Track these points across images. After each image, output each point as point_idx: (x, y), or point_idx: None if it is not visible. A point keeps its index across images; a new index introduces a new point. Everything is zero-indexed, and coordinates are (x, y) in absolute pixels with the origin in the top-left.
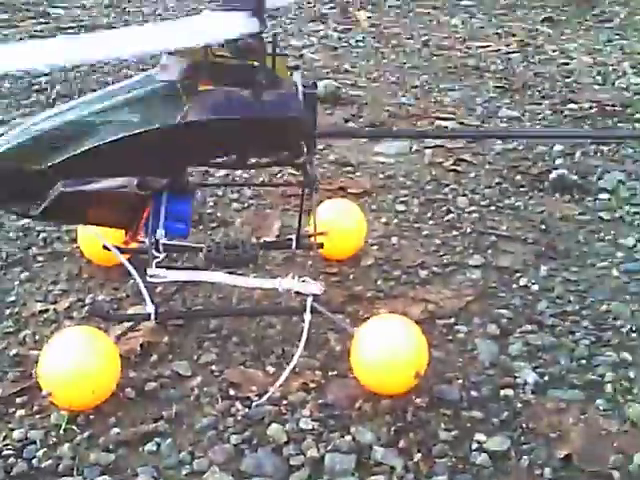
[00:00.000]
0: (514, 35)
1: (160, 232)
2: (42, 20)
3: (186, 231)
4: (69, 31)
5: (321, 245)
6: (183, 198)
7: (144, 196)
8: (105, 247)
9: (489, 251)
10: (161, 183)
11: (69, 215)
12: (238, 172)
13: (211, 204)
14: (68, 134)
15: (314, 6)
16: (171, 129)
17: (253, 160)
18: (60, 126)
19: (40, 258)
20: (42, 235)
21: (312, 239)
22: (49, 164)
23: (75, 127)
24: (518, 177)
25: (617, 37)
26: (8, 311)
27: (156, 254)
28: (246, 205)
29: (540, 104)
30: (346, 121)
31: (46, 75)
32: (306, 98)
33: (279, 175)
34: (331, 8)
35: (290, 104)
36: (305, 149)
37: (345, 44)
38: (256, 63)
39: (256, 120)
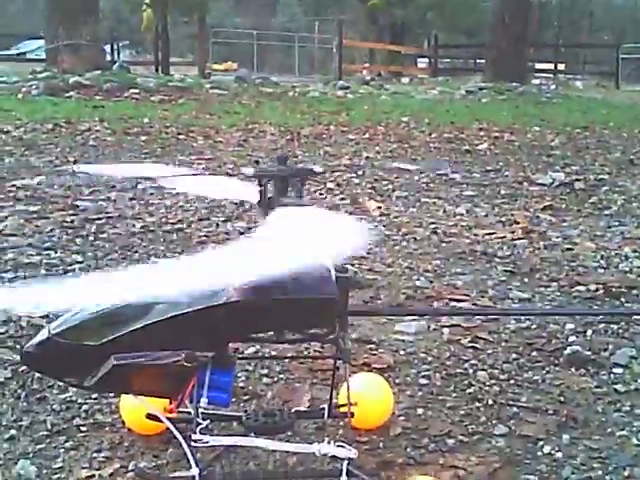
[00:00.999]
0: (517, 223)
1: (204, 401)
2: (71, 212)
3: (228, 400)
4: (97, 222)
5: (352, 414)
6: (225, 370)
7: (190, 368)
8: (148, 416)
9: (512, 421)
10: (207, 356)
11: (120, 386)
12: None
13: (242, 378)
14: (121, 314)
15: (325, 198)
16: (217, 308)
17: (289, 336)
18: (113, 308)
19: (83, 428)
20: (84, 407)
21: (344, 408)
22: (104, 340)
23: (127, 309)
24: (534, 353)
25: (616, 223)
26: (55, 477)
27: (200, 421)
28: (276, 379)
29: (549, 286)
30: (365, 302)
31: None
32: (338, 280)
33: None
34: (342, 199)
35: (323, 285)
36: (338, 326)
37: None
38: None
39: (293, 300)
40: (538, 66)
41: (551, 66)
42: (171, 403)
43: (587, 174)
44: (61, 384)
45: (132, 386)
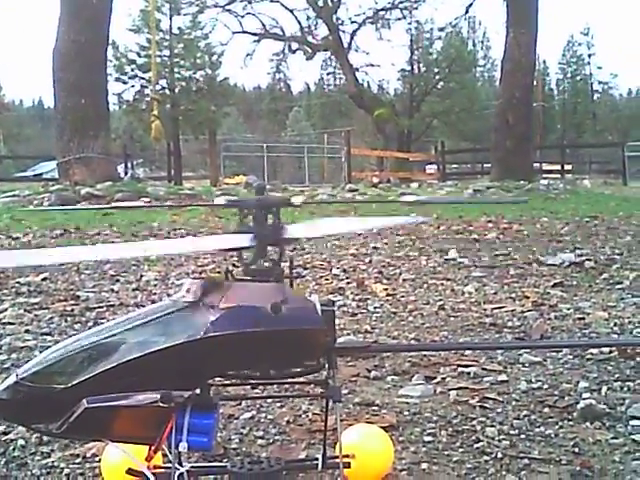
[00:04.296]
0: (527, 297)
1: (183, 445)
2: (72, 302)
3: (209, 445)
4: (97, 310)
5: (348, 465)
6: (206, 412)
7: (167, 410)
8: (129, 472)
9: (523, 472)
10: (184, 397)
11: (91, 430)
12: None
13: (236, 440)
14: (93, 354)
15: (331, 282)
16: (193, 343)
17: (274, 373)
18: (85, 347)
19: None
20: (65, 471)
21: (338, 460)
22: (74, 382)
23: (100, 347)
24: (546, 410)
25: (629, 296)
26: None
27: (178, 467)
28: (271, 441)
29: (560, 351)
30: (369, 371)
31: None
32: (323, 313)
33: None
34: (348, 283)
35: (308, 317)
36: (326, 363)
37: (364, 310)
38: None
39: (275, 332)
40: (545, 167)
41: (558, 167)
42: (149, 449)
43: (597, 255)
44: (44, 449)
45: (106, 431)
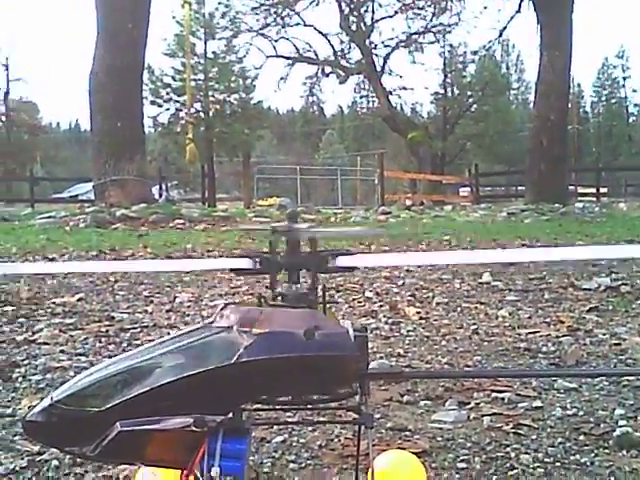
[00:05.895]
0: (562, 322)
1: (215, 470)
2: (107, 323)
3: (242, 470)
4: (132, 331)
5: None
6: (239, 436)
7: (200, 434)
8: None
9: None
10: (217, 421)
11: (125, 454)
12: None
13: (268, 464)
14: (127, 378)
15: (364, 305)
16: (227, 368)
17: (307, 398)
18: (119, 371)
19: None
20: None
21: None
22: (108, 405)
23: (133, 371)
24: (581, 437)
25: None
26: None
27: None
28: (303, 465)
29: (596, 377)
30: (401, 395)
31: None
32: (356, 339)
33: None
34: (380, 306)
35: (341, 344)
36: (358, 388)
37: (397, 334)
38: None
39: (308, 358)
40: (580, 190)
41: (593, 190)
42: (182, 473)
43: (633, 280)
44: (77, 470)
45: (139, 454)
